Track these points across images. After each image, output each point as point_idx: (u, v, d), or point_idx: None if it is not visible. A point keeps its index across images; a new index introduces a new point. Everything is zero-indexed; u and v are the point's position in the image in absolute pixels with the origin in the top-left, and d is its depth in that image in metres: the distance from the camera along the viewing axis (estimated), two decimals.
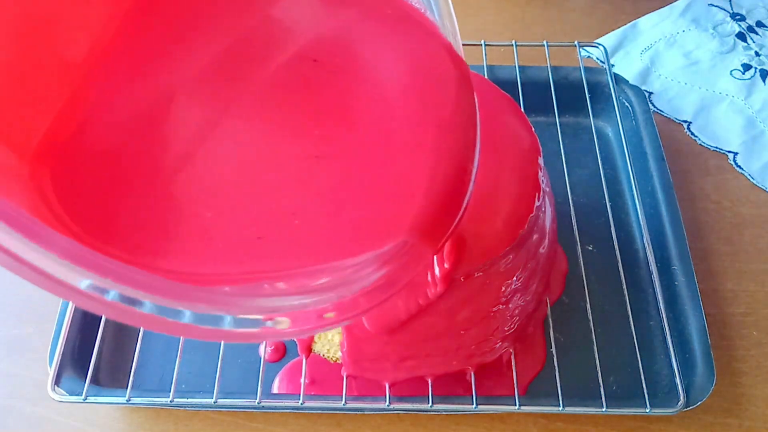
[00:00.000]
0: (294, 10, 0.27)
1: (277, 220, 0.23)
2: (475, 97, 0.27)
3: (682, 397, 0.37)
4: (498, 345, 0.37)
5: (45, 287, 0.19)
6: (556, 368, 0.38)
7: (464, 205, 0.25)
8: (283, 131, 0.25)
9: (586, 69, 0.51)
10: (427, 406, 0.36)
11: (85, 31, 0.23)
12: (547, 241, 0.37)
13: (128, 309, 0.20)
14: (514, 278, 0.35)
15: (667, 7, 0.61)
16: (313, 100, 0.26)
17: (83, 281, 0.19)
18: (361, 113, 0.25)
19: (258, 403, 0.36)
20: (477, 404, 0.36)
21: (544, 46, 0.51)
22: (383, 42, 0.27)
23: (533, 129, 0.37)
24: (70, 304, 0.39)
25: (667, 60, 0.57)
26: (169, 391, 0.37)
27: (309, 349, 0.36)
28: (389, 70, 0.26)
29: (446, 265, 0.31)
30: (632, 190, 0.46)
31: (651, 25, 0.60)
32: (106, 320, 0.39)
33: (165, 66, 0.24)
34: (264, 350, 0.41)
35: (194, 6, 0.25)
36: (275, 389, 0.40)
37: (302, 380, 0.37)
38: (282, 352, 0.41)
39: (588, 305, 0.41)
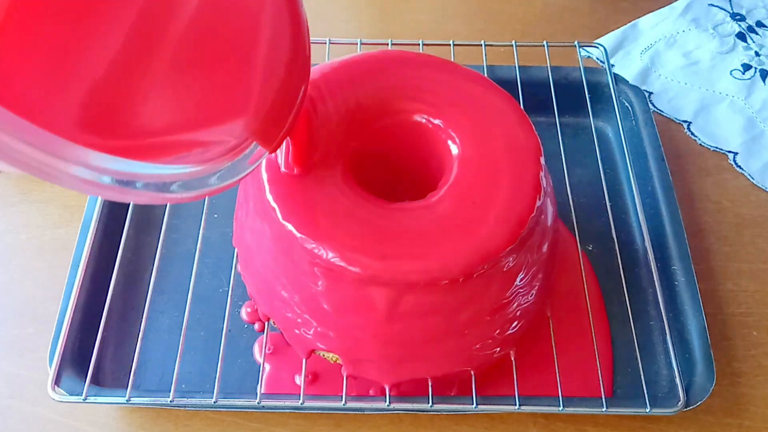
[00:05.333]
0: None
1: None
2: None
3: (682, 397, 0.37)
4: (499, 347, 0.37)
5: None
6: (557, 368, 0.38)
7: (296, 106, 0.29)
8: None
9: (586, 69, 0.51)
10: (427, 406, 0.36)
11: None
12: (548, 242, 0.37)
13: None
14: (516, 279, 0.35)
15: (667, 7, 0.61)
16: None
17: None
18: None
19: (258, 403, 0.36)
20: (477, 404, 0.36)
21: (544, 46, 0.51)
22: None
23: (534, 129, 0.37)
24: (71, 304, 0.39)
25: (667, 60, 0.57)
26: (169, 391, 0.37)
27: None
28: None
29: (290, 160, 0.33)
30: (632, 190, 0.46)
31: (651, 25, 0.60)
32: (107, 320, 0.39)
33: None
34: (263, 353, 0.40)
35: None
36: (263, 387, 0.40)
37: (302, 380, 0.37)
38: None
39: (588, 305, 0.41)
